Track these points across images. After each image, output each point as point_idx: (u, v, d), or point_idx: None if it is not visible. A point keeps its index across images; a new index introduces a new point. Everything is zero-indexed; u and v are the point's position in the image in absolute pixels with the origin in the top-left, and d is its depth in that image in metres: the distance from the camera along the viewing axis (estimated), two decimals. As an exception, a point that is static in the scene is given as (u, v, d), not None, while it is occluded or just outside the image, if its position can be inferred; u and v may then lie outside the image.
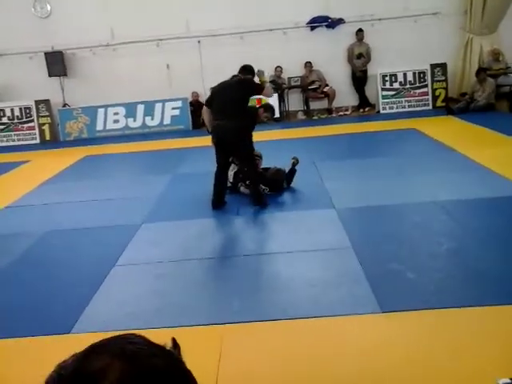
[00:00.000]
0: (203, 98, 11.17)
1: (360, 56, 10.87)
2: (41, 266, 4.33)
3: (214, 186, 5.40)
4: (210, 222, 5.12)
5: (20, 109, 11.33)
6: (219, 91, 5.42)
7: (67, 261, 4.43)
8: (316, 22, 10.99)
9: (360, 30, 10.74)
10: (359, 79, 11.04)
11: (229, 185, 5.93)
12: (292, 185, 5.97)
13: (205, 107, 5.60)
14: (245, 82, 5.42)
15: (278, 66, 10.92)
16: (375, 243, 4.17)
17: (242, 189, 5.86)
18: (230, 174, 5.86)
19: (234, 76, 5.61)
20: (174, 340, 0.75)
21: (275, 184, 5.80)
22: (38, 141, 11.32)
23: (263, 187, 5.65)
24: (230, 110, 5.20)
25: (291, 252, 4.17)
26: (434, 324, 2.97)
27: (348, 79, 11.18)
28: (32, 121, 11.34)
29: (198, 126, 10.94)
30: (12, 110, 11.32)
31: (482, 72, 10.02)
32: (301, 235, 4.51)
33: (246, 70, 5.57)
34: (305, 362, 2.71)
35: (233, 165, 5.86)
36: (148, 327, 3.13)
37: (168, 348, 0.73)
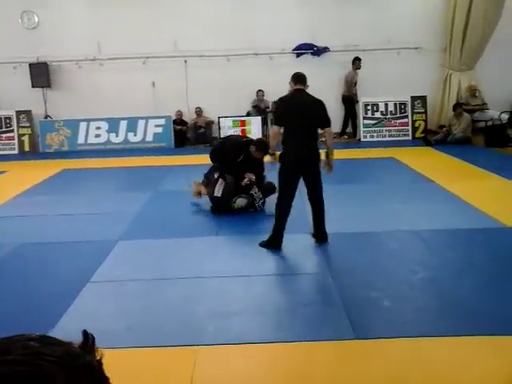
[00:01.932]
0: (187, 117, 11.32)
1: (355, 84, 11.09)
2: (12, 280, 4.22)
3: (282, 220, 4.63)
4: (187, 241, 5.07)
5: (0, 118, 11.18)
6: (295, 109, 4.57)
7: (40, 275, 4.33)
8: (302, 49, 11.21)
9: (358, 59, 10.86)
10: (353, 106, 11.21)
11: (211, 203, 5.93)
12: (273, 208, 5.97)
13: (275, 127, 4.72)
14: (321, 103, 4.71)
15: (260, 90, 11.05)
16: (352, 269, 4.19)
17: (240, 200, 5.84)
18: (219, 188, 5.84)
19: (299, 91, 4.68)
20: (84, 333, 0.61)
21: (267, 194, 5.93)
22: (16, 151, 11.14)
23: (258, 193, 5.82)
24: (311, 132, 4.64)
25: (267, 275, 4.16)
26: (408, 352, 2.98)
27: (336, 105, 11.33)
28: (12, 131, 11.18)
29: (181, 143, 10.98)
30: (-9, 119, 11.17)
31: (458, 107, 10.34)
32: (278, 259, 4.50)
33: (303, 78, 4.79)
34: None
35: (220, 179, 5.87)
36: (119, 346, 3.07)
37: (72, 351, 0.57)
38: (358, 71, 10.99)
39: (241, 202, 5.85)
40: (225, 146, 6.28)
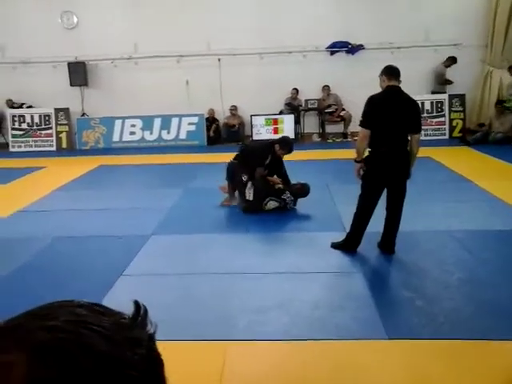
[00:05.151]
0: (220, 116, 11.38)
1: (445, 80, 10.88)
2: (47, 273, 4.33)
3: (359, 227, 4.43)
4: (219, 237, 5.10)
5: (40, 116, 11.52)
6: (388, 109, 4.20)
7: (75, 268, 4.43)
8: (336, 47, 11.10)
9: (454, 60, 10.55)
10: None
11: (243, 204, 5.93)
12: (304, 206, 5.95)
13: (365, 130, 4.26)
14: (417, 105, 4.37)
15: (294, 88, 11.00)
16: (385, 269, 4.12)
17: (272, 203, 5.85)
18: (249, 192, 5.85)
19: (393, 88, 4.23)
20: (136, 304, 0.56)
21: (299, 197, 5.94)
22: (54, 148, 11.46)
23: (290, 197, 5.82)
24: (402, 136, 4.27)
25: (299, 273, 4.13)
26: (441, 354, 2.90)
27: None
28: (50, 128, 11.51)
29: (212, 142, 11.05)
30: (32, 117, 11.51)
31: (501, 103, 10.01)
32: (309, 257, 4.47)
33: (398, 73, 4.27)
34: (306, 383, 2.66)
35: (250, 183, 5.87)
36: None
37: (119, 322, 0.53)
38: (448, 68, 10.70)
39: (272, 204, 5.88)
40: (252, 146, 6.40)
